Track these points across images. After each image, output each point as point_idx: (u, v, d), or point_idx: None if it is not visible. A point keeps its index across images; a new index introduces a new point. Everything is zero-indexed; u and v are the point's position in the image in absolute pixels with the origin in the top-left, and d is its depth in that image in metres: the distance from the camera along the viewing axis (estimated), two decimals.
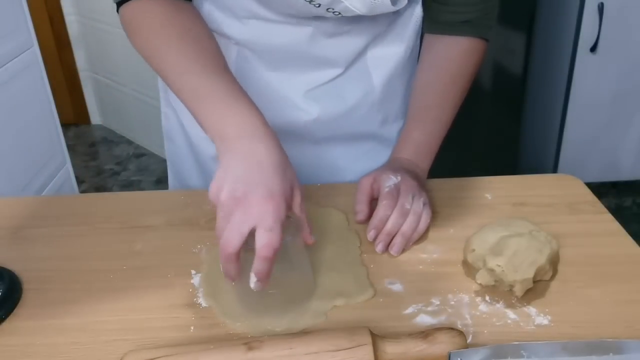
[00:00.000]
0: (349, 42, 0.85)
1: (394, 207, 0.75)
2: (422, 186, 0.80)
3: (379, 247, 0.74)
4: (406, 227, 0.75)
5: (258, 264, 0.59)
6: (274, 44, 0.84)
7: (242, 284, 0.62)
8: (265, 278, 0.60)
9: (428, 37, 0.90)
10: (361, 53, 0.87)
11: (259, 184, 0.60)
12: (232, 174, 0.61)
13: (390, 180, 0.77)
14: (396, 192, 0.76)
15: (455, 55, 0.88)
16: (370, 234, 0.75)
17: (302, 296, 0.67)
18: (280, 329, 0.63)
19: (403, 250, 0.74)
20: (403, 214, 0.75)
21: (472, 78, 0.89)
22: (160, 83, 1.01)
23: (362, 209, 0.79)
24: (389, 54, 0.89)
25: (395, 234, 0.75)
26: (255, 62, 0.86)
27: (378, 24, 0.85)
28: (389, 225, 0.75)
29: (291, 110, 0.88)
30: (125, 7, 0.76)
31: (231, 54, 0.86)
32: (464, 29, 0.86)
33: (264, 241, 0.58)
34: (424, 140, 0.86)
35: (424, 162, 0.85)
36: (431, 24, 0.89)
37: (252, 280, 0.60)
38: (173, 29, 0.73)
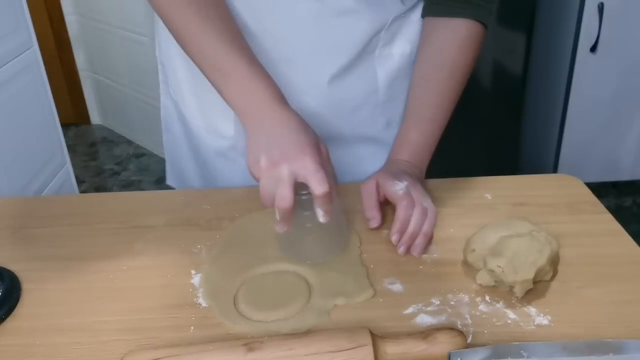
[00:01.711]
0: (356, 26, 0.84)
1: (414, 207, 0.75)
2: (424, 186, 0.80)
3: (402, 249, 0.74)
4: (427, 226, 0.75)
5: (321, 203, 0.66)
6: (279, 21, 0.82)
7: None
8: (330, 212, 0.67)
9: (426, 24, 0.88)
10: (368, 47, 0.87)
11: (292, 143, 0.67)
12: (264, 143, 0.68)
13: (398, 185, 0.77)
14: (409, 192, 0.76)
15: (453, 47, 0.86)
16: (394, 238, 0.74)
17: (339, 236, 0.74)
18: (286, 330, 0.63)
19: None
20: (423, 213, 0.75)
21: (470, 70, 0.88)
22: (161, 75, 1.01)
23: (375, 215, 0.78)
24: (395, 53, 0.89)
25: (417, 234, 0.74)
26: (258, 52, 0.86)
27: (385, 9, 0.85)
28: (412, 227, 0.74)
29: (294, 104, 0.88)
30: None
31: None
32: (463, 9, 0.85)
33: (317, 181, 0.65)
34: (421, 141, 0.85)
35: (422, 163, 0.85)
36: (430, 5, 0.87)
37: (320, 215, 0.67)
38: None
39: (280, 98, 0.72)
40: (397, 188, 0.76)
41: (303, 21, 0.82)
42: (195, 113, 0.95)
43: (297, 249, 0.74)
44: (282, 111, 0.71)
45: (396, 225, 0.75)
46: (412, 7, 0.88)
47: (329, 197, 0.66)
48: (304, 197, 0.68)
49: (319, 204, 0.67)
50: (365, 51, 0.87)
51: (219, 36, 0.74)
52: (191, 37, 0.76)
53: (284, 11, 0.82)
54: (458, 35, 0.86)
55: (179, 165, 1.04)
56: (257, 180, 0.68)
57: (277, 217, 0.67)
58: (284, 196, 0.65)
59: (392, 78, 0.90)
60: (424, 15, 0.89)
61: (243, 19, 0.83)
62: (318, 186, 0.65)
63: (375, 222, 0.78)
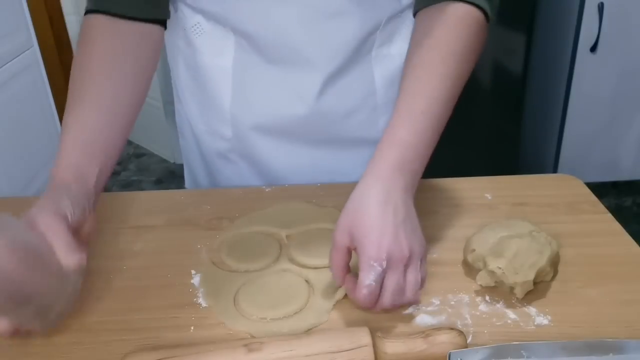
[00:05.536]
0: (347, 27, 0.82)
1: (377, 300, 0.61)
2: (413, 218, 0.64)
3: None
4: (405, 299, 0.62)
5: None
6: (267, 25, 0.81)
7: None
8: None
9: (417, 17, 0.78)
10: (363, 48, 0.85)
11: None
12: None
13: (368, 278, 0.60)
14: (379, 287, 0.61)
15: (442, 26, 0.72)
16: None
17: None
18: (286, 329, 0.63)
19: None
20: (398, 292, 0.61)
21: (469, 58, 0.73)
22: (172, 79, 1.01)
23: (340, 283, 0.65)
24: (394, 53, 0.88)
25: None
26: (253, 54, 0.85)
27: (378, 8, 0.83)
28: (381, 307, 0.62)
29: (288, 107, 0.87)
30: (87, 17, 0.79)
31: (230, 46, 0.86)
32: None
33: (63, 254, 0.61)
34: (412, 142, 0.67)
35: (413, 170, 0.67)
36: None
37: None
38: (104, 68, 0.78)
39: (77, 176, 0.72)
40: (365, 283, 0.60)
41: (291, 25, 0.81)
42: (197, 116, 0.96)
43: None
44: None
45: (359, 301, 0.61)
46: (411, 5, 0.85)
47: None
48: None
49: None
50: (360, 52, 0.85)
51: (93, 104, 0.76)
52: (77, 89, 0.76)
53: (271, 16, 0.81)
54: (448, 16, 0.73)
55: (193, 167, 1.04)
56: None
57: None
58: None
59: (392, 78, 0.89)
60: (416, 10, 0.78)
61: (232, 23, 0.83)
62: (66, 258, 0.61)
63: (339, 283, 0.65)
